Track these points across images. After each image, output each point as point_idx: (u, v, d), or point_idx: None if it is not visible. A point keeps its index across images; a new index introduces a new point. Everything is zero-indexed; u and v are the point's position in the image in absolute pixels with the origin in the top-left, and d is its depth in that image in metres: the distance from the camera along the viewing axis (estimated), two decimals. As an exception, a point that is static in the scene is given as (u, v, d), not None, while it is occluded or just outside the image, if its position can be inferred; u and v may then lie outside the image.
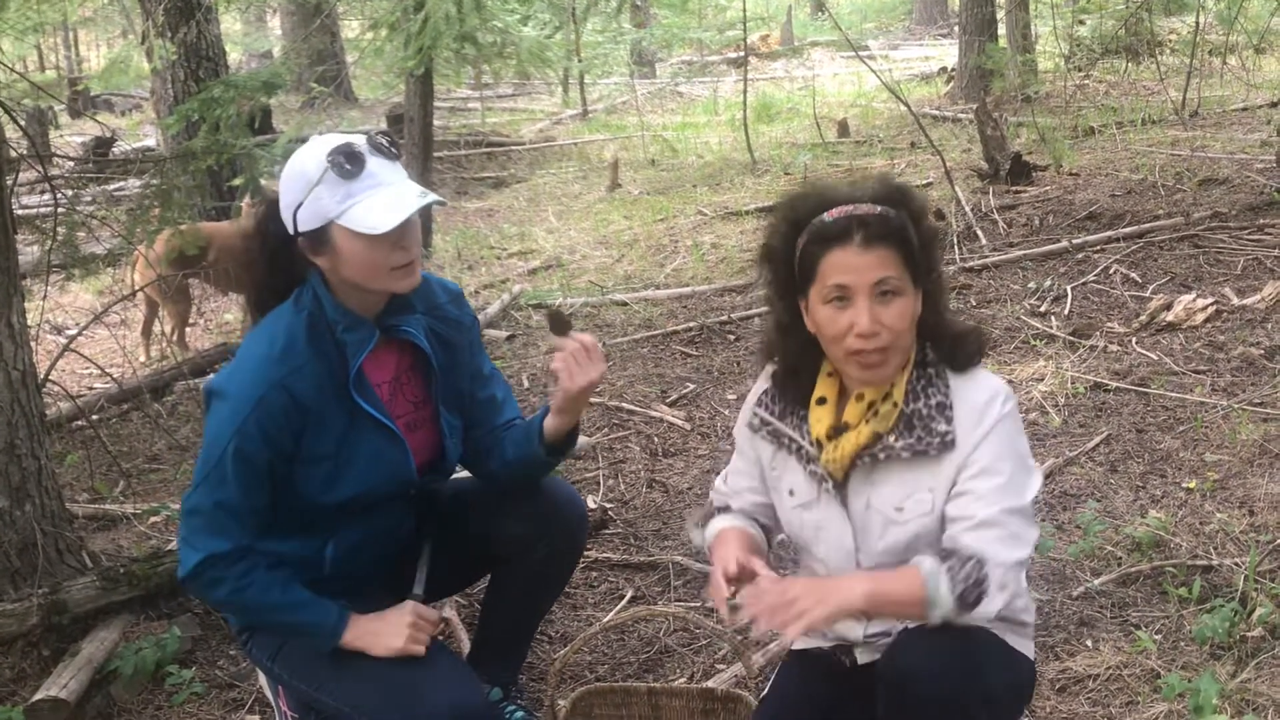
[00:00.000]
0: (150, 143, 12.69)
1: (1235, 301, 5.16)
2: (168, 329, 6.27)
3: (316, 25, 8.40)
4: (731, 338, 5.60)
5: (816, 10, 17.40)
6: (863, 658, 2.24)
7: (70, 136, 14.38)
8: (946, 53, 18.20)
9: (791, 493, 2.22)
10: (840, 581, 2.03)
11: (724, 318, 5.81)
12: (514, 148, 12.12)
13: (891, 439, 2.07)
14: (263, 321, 2.50)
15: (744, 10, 11.78)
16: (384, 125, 12.24)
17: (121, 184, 9.17)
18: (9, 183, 3.34)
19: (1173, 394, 4.40)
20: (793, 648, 2.39)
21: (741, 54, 14.54)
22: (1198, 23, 10.03)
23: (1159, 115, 9.57)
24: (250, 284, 2.61)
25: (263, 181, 5.39)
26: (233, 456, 2.35)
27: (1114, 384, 4.53)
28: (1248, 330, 4.89)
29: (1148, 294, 5.44)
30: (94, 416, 5.24)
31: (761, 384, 2.28)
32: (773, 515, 2.34)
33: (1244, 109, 9.79)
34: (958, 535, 2.02)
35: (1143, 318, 5.09)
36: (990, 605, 1.97)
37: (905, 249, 2.04)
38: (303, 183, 2.36)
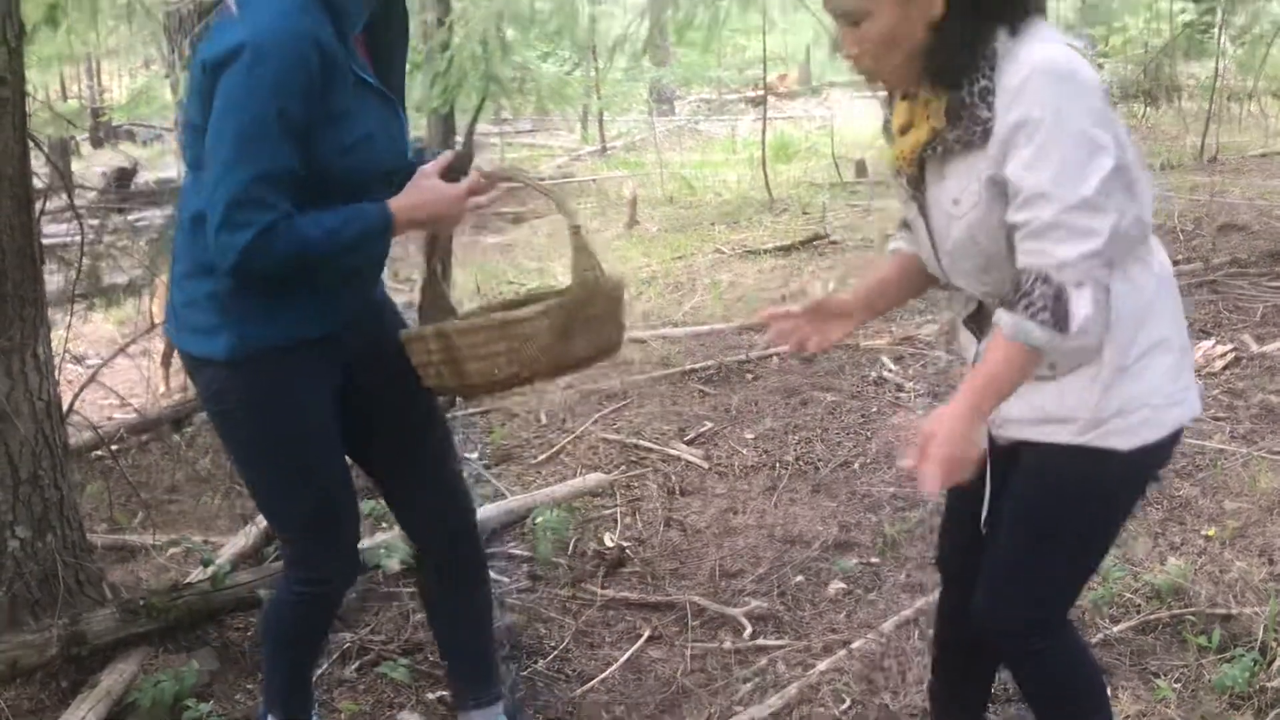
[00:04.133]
0: (171, 173, 12.76)
1: (1254, 349, 5.16)
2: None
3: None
4: (750, 377, 5.60)
5: (835, 50, 17.38)
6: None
7: (93, 166, 14.48)
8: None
9: (899, 192, 2.26)
10: (953, 420, 1.94)
11: (742, 357, 5.82)
12: (535, 182, 12.17)
13: (946, 131, 2.02)
14: None
15: (764, 50, 11.83)
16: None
17: (143, 215, 9.22)
18: (36, 213, 3.36)
19: (1192, 440, 4.38)
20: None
21: (760, 92, 14.59)
22: (1217, 68, 10.08)
23: (1178, 160, 9.59)
24: None
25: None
26: (275, 118, 2.20)
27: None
28: (1266, 378, 4.89)
29: (1167, 339, 5.43)
30: (114, 446, 5.26)
31: None
32: None
33: (1263, 155, 9.82)
34: (1019, 248, 1.95)
35: (1162, 364, 5.09)
36: (1081, 305, 1.89)
37: None
38: None
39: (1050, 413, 2.13)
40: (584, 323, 2.44)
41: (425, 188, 2.43)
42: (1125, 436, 2.08)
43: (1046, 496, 2.19)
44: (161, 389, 6.19)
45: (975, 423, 1.95)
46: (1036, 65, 1.91)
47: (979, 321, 2.24)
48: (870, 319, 2.46)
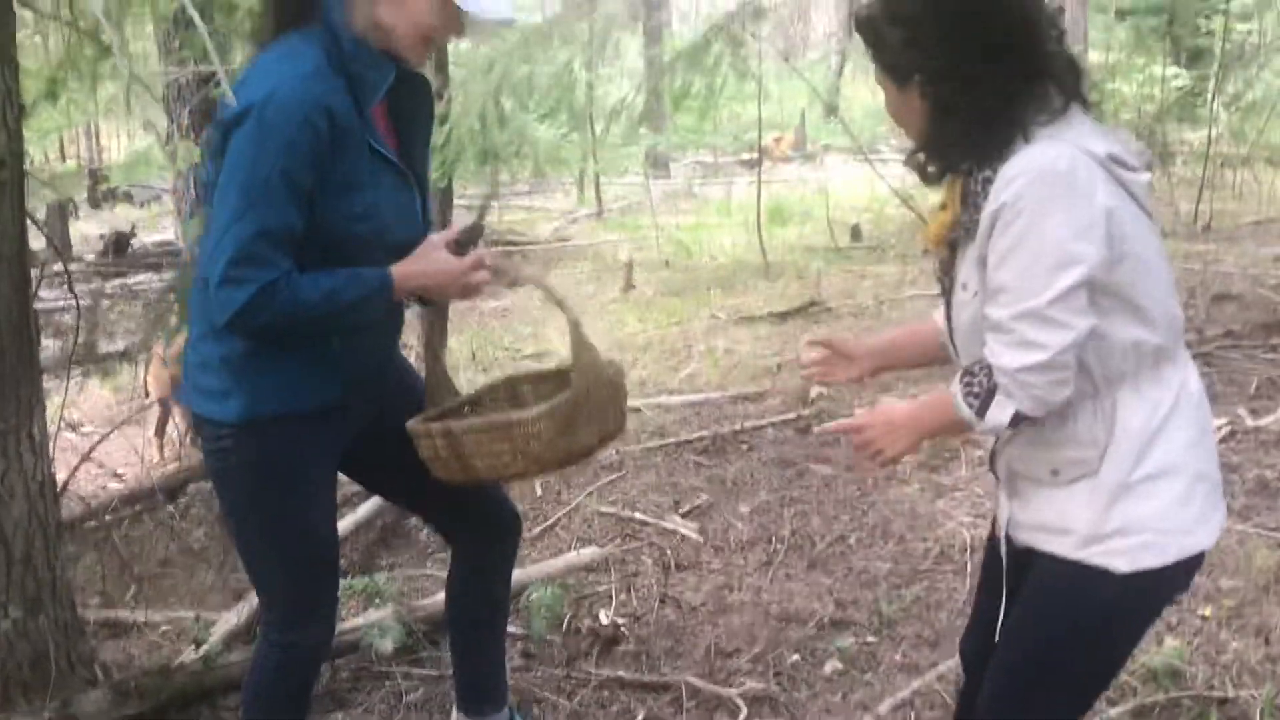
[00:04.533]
0: (170, 235, 12.80)
1: (1249, 422, 5.16)
2: (182, 429, 6.29)
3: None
4: (745, 447, 5.59)
5: (830, 113, 17.59)
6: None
7: (91, 229, 14.52)
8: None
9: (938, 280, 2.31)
10: (899, 416, 2.15)
11: (737, 427, 5.81)
12: (529, 247, 12.23)
13: (964, 216, 2.07)
14: (277, 44, 2.42)
15: (759, 115, 11.90)
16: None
17: (140, 279, 9.26)
18: (32, 289, 3.37)
19: (1187, 516, 4.38)
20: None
21: (756, 155, 14.67)
22: (1210, 135, 10.16)
23: (1171, 228, 9.65)
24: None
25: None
26: (280, 178, 2.27)
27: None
28: (1262, 452, 4.89)
29: (1161, 412, 5.44)
30: (107, 517, 5.25)
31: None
32: None
33: (1257, 222, 9.87)
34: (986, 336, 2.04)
35: (1156, 437, 5.10)
36: (998, 415, 2.00)
37: (878, 46, 2.08)
38: None
39: (1049, 522, 2.13)
40: (587, 414, 2.49)
41: (431, 258, 2.50)
42: (1124, 558, 2.05)
43: (1042, 612, 2.18)
44: (156, 459, 6.18)
45: (910, 430, 2.14)
46: (1034, 162, 1.93)
47: None
48: (877, 372, 2.52)
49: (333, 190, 2.37)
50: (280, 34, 2.45)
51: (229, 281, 2.29)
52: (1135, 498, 2.05)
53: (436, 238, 2.54)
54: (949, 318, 2.19)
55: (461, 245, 2.55)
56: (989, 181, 1.97)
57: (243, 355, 2.45)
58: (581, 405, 2.47)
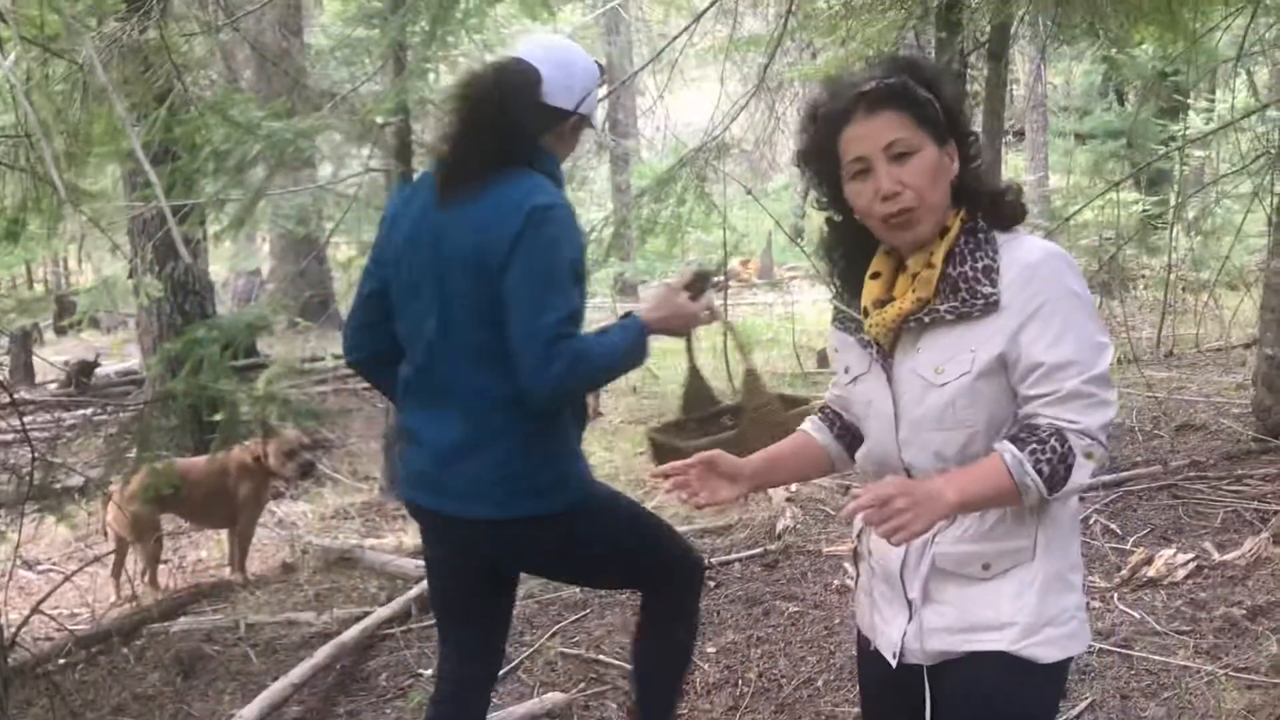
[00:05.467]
0: (134, 364, 12.74)
1: (1216, 557, 5.14)
2: (139, 568, 6.19)
3: (306, 263, 8.48)
4: (712, 584, 5.52)
5: (796, 235, 17.78)
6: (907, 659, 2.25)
7: (55, 354, 14.44)
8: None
9: (846, 370, 2.32)
10: (929, 487, 1.99)
11: (704, 562, 5.74)
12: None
13: (937, 302, 2.11)
14: (521, 173, 2.83)
15: (724, 243, 11.97)
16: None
17: (101, 411, 9.17)
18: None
19: (1156, 657, 4.34)
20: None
21: (722, 279, 14.75)
22: (1170, 261, 10.25)
23: (1133, 354, 9.71)
24: (493, 141, 2.85)
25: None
26: (570, 267, 2.75)
27: (1098, 645, 4.47)
28: (1229, 588, 4.86)
29: (1128, 546, 5.42)
30: (61, 660, 5.14)
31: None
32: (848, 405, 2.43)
33: (1219, 349, 9.94)
34: (1036, 411, 2.04)
35: (1124, 572, 5.07)
36: (1079, 477, 2.01)
37: (913, 109, 2.09)
38: (591, 78, 2.96)
39: (983, 620, 2.14)
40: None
41: (673, 301, 3.01)
42: (1053, 648, 2.13)
43: (988, 714, 2.15)
44: (112, 599, 6.07)
45: (947, 498, 1.97)
46: (1049, 251, 2.08)
47: None
48: (758, 489, 2.47)
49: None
50: (493, 173, 2.83)
51: (547, 360, 2.68)
52: (1064, 587, 2.15)
53: (674, 282, 3.07)
54: (894, 407, 2.18)
55: (694, 289, 3.04)
56: (991, 270, 2.07)
57: (562, 442, 2.92)
58: (745, 444, 2.64)
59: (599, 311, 16.62)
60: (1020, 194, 2.20)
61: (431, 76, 6.60)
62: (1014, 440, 2.03)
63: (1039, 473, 1.99)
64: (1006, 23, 10.25)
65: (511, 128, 2.84)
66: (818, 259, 2.43)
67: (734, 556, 5.77)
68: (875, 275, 2.23)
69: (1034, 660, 2.11)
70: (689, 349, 3.34)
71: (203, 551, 6.83)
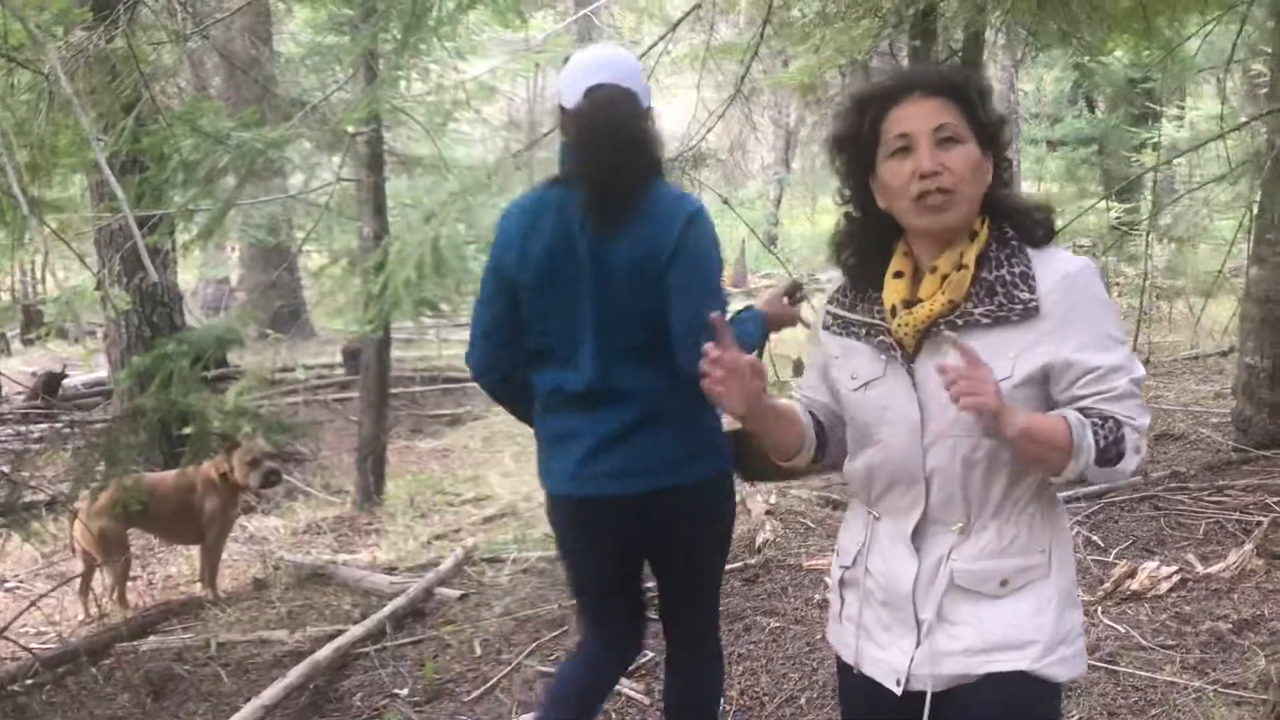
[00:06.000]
0: (102, 374, 12.58)
1: (1199, 569, 5.09)
2: (107, 585, 6.07)
3: (276, 275, 8.37)
4: (690, 600, 5.45)
5: (770, 242, 17.80)
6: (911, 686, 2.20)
7: (23, 364, 14.26)
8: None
9: (854, 376, 2.24)
10: (1015, 406, 2.01)
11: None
12: (470, 384, 12.07)
13: (970, 305, 2.09)
14: (658, 181, 3.07)
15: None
16: (340, 359, 12.24)
17: (69, 426, 9.04)
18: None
19: (1143, 673, 4.28)
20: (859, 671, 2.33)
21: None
22: (1145, 269, 10.26)
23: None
24: (644, 158, 3.07)
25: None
26: (721, 260, 3.13)
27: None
28: (1213, 601, 4.81)
29: (1110, 558, 5.37)
30: (28, 681, 5.03)
31: (837, 280, 2.35)
32: (829, 414, 2.39)
33: (1194, 357, 9.95)
34: (1088, 405, 2.05)
35: (1107, 585, 5.01)
36: (1128, 464, 2.05)
37: (967, 106, 2.11)
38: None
39: (1003, 639, 2.10)
40: None
41: (779, 302, 3.33)
42: (1067, 666, 2.12)
43: None
44: (80, 617, 5.95)
45: (1014, 410, 1.97)
46: (1083, 262, 2.10)
47: (921, 534, 2.18)
48: (753, 423, 2.27)
49: None
50: (646, 187, 3.05)
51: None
52: (1073, 604, 2.16)
53: (779, 289, 3.40)
54: (921, 411, 2.12)
55: (791, 297, 3.37)
56: (1028, 276, 2.07)
57: (716, 414, 3.09)
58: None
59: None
60: (1051, 213, 2.18)
61: (403, 85, 6.53)
62: (1070, 411, 2.04)
63: (1095, 442, 2.00)
64: (980, 31, 10.25)
65: (654, 142, 3.09)
66: (829, 257, 2.36)
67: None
68: (899, 274, 2.18)
69: (1050, 679, 2.09)
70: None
71: (172, 568, 6.71)
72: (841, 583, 2.38)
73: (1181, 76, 10.45)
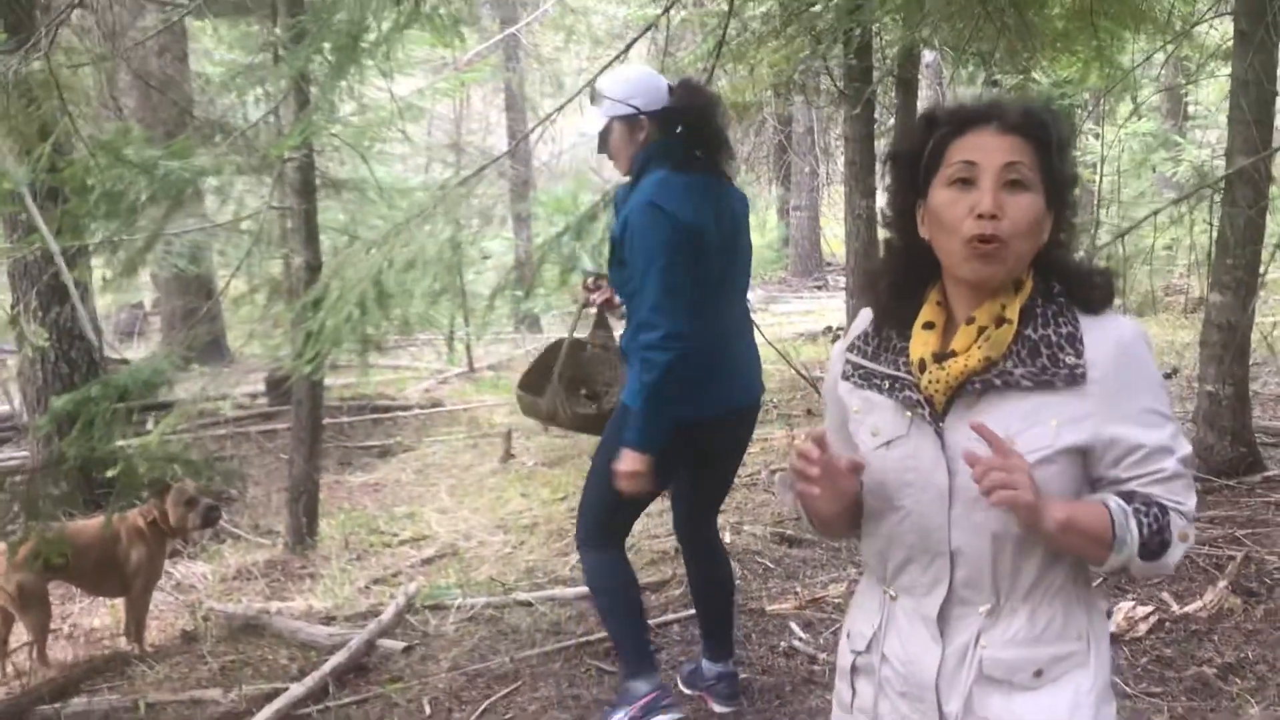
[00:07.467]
0: (15, 404, 12.05)
1: (1175, 609, 4.94)
2: (26, 641, 5.70)
3: (206, 308, 8.00)
4: (650, 647, 5.19)
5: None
6: None
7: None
8: (826, 307, 18.41)
9: (874, 433, 2.03)
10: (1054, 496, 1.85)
11: (639, 623, 5.41)
12: (400, 413, 11.74)
13: (1009, 364, 1.90)
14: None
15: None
16: (263, 389, 11.83)
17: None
18: None
19: (1132, 724, 4.12)
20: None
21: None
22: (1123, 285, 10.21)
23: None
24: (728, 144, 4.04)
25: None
26: None
27: (1068, 711, 4.23)
28: (1195, 644, 4.65)
29: (1082, 597, 5.20)
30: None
31: (856, 327, 2.14)
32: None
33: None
34: (1133, 489, 1.90)
35: (1084, 627, 4.84)
36: (1173, 555, 1.91)
37: (1043, 151, 1.91)
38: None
39: None
40: None
41: None
42: None
43: None
44: (-2, 676, 5.56)
45: (1052, 503, 1.81)
46: (1139, 330, 1.93)
47: (945, 616, 1.98)
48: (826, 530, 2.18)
49: None
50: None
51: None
52: (1109, 697, 1.99)
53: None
54: (950, 479, 1.93)
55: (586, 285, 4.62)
56: (1075, 339, 1.89)
57: None
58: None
59: (499, 341, 16.30)
60: (1112, 279, 1.98)
61: (336, 111, 6.27)
62: (1116, 496, 1.88)
63: (1139, 533, 1.86)
64: (915, 49, 10.17)
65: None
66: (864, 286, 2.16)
67: (671, 617, 5.45)
68: (929, 325, 1.98)
69: None
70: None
71: (96, 620, 6.32)
72: (853, 670, 2.17)
73: (1115, 94, 10.44)
